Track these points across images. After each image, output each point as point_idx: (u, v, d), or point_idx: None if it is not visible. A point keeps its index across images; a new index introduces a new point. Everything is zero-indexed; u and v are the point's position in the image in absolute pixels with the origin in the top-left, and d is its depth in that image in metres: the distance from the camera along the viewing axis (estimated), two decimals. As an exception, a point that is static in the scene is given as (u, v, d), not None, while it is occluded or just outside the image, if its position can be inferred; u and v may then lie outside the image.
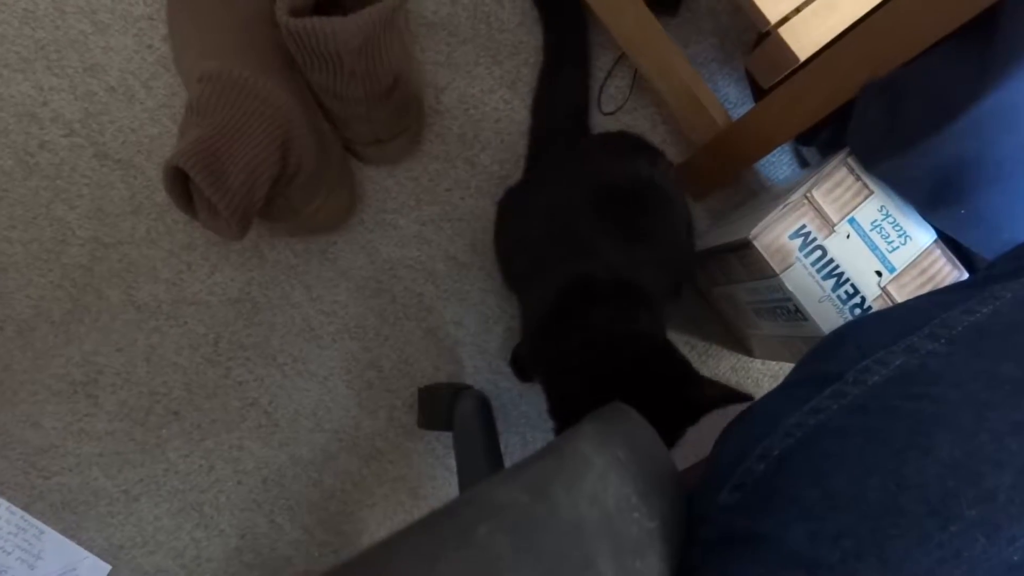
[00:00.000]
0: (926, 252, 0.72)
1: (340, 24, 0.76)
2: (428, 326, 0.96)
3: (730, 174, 0.93)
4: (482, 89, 0.98)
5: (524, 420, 0.97)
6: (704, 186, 0.97)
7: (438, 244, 0.96)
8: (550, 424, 0.96)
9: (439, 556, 0.41)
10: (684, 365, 0.66)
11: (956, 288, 0.52)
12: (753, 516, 0.44)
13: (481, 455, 0.83)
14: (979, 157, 0.63)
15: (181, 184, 0.79)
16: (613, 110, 0.99)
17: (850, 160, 0.72)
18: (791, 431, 0.45)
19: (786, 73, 0.67)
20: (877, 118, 0.69)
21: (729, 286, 0.86)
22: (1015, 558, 0.36)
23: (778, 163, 1.02)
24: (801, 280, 0.72)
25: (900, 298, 0.71)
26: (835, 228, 0.72)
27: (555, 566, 0.42)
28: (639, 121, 0.99)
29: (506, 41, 0.98)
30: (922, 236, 0.72)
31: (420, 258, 0.96)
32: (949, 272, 0.72)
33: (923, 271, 0.72)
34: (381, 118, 0.88)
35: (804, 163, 1.01)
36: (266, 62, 0.85)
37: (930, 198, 0.69)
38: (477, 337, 0.96)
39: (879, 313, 0.57)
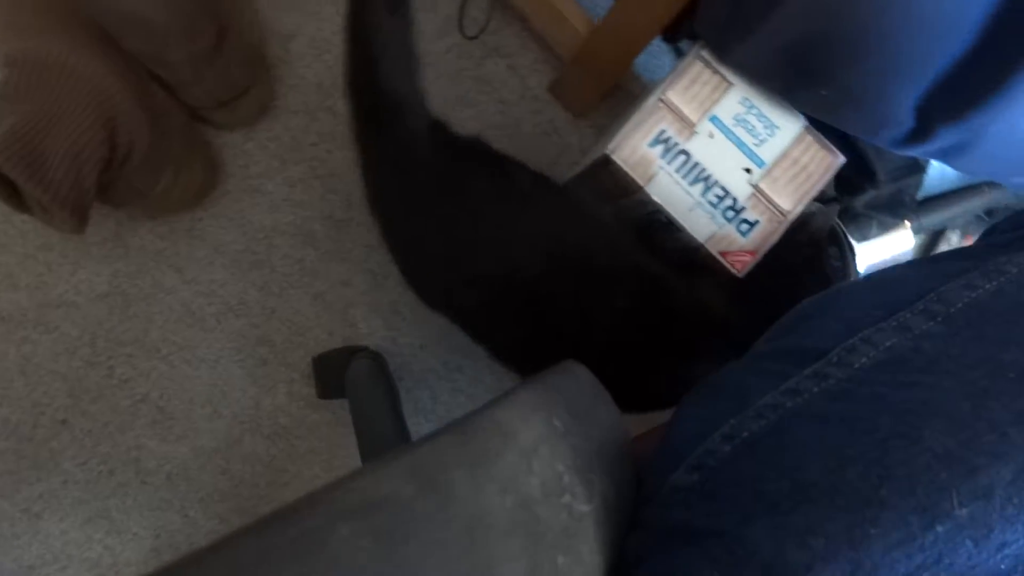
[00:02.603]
0: (796, 140, 0.67)
1: (135, -20, 0.69)
2: (315, 291, 0.91)
3: (605, 84, 0.87)
4: (333, 30, 0.90)
5: (431, 373, 0.93)
6: (583, 101, 0.91)
7: (311, 204, 0.90)
8: (459, 375, 0.92)
9: (269, 568, 0.32)
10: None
11: (953, 255, 0.46)
12: (710, 505, 0.39)
13: (378, 418, 0.80)
14: (829, 32, 0.58)
15: (4, 180, 0.72)
16: (476, 33, 0.92)
17: (704, 53, 0.67)
18: (764, 412, 0.40)
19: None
20: (722, 1, 0.63)
21: (615, 203, 0.81)
22: (1002, 567, 0.32)
23: (661, 65, 0.95)
24: (667, 189, 0.67)
25: (774, 194, 0.67)
26: (696, 128, 0.66)
27: None
28: (507, 41, 0.93)
29: (349, -26, 0.90)
30: (790, 124, 0.67)
31: (295, 221, 0.90)
32: (824, 158, 0.67)
33: (795, 161, 0.67)
34: (216, 77, 0.81)
35: (688, 60, 0.95)
36: (78, 37, 0.77)
37: (787, 82, 0.63)
38: (367, 295, 0.92)
39: (867, 280, 0.50)
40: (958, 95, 0.57)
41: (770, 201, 0.67)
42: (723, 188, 0.66)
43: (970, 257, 0.44)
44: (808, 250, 0.73)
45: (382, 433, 0.78)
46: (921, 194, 0.90)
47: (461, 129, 0.85)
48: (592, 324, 0.64)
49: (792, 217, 0.67)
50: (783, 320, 0.50)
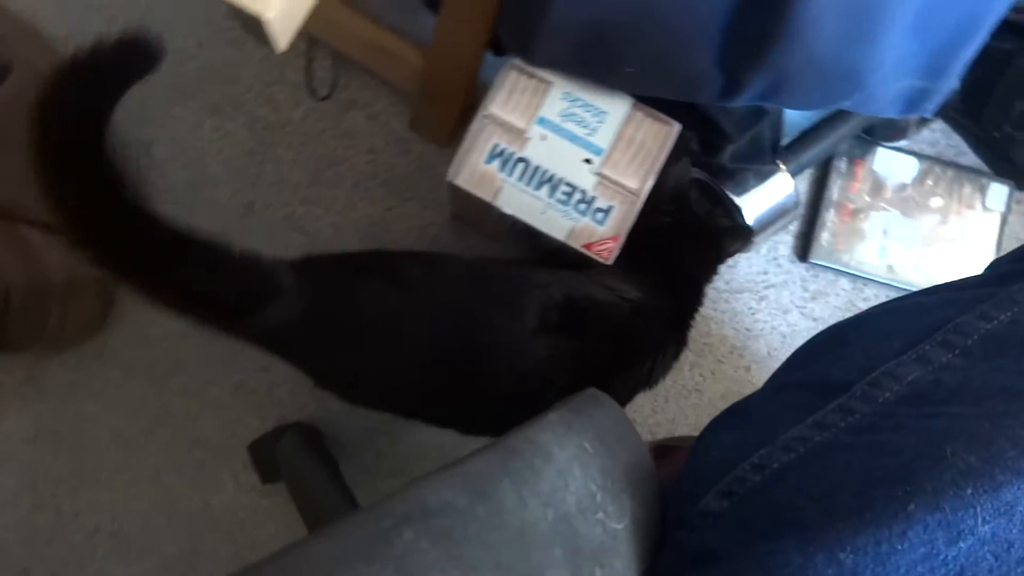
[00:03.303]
0: (627, 120, 0.68)
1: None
2: (235, 382, 0.91)
3: (455, 108, 0.87)
4: (189, 128, 0.92)
5: (368, 431, 0.93)
6: (443, 131, 0.92)
7: (210, 298, 0.91)
8: (393, 424, 0.92)
9: (342, 567, 0.35)
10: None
11: (967, 284, 0.49)
12: (741, 531, 0.41)
13: (314, 489, 0.80)
14: (604, 15, 0.59)
15: None
16: (328, 92, 0.93)
17: (515, 61, 0.68)
18: (792, 445, 0.42)
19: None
20: (512, 4, 0.64)
21: (487, 225, 0.82)
22: None
23: (515, 75, 0.96)
24: (516, 199, 0.67)
25: (619, 176, 0.67)
26: (527, 135, 0.67)
27: None
28: (359, 92, 0.94)
29: (190, 71, 0.92)
30: (617, 106, 0.68)
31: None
32: (659, 130, 0.68)
33: (631, 140, 0.68)
34: (80, 204, 0.82)
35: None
36: (-68, 200, 0.79)
37: (593, 69, 0.64)
38: (288, 373, 0.91)
39: (885, 308, 0.52)
40: (748, 41, 0.59)
41: (617, 184, 0.67)
42: (569, 184, 0.67)
43: (981, 286, 0.46)
44: (671, 205, 0.73)
45: (321, 502, 0.78)
46: (793, 132, 0.91)
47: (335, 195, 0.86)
48: (554, 373, 0.63)
49: (644, 194, 0.68)
50: (804, 352, 0.52)
